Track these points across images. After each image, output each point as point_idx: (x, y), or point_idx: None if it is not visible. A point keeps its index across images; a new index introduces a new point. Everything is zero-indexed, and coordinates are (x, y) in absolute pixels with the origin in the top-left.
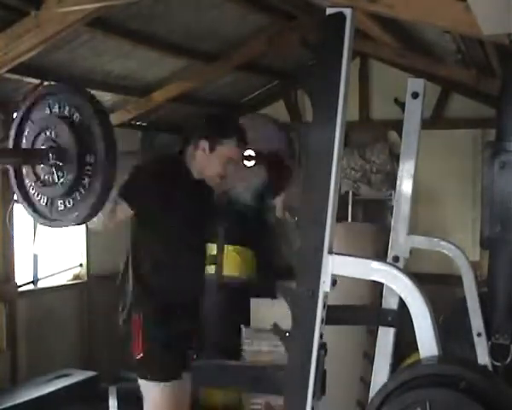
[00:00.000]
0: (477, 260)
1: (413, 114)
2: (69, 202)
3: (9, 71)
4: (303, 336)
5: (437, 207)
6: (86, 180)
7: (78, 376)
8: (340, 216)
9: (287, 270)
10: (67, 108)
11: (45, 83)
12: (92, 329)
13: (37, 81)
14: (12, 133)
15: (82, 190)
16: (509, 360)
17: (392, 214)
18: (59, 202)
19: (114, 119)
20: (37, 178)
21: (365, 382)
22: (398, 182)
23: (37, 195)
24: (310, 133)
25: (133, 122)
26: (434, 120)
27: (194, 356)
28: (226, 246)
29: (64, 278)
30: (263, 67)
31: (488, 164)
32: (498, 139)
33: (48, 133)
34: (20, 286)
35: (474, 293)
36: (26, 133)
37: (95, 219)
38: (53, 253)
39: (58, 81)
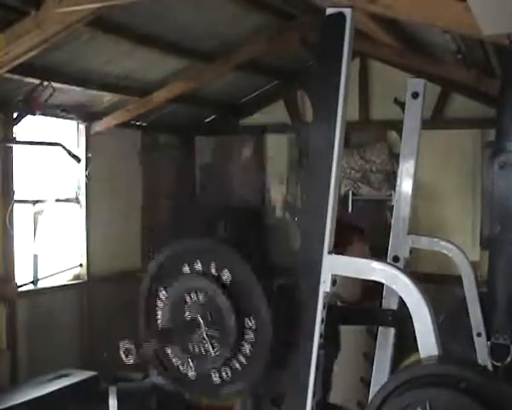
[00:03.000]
0: (477, 260)
1: (413, 114)
2: (227, 374)
3: (9, 71)
4: (303, 336)
5: (437, 207)
6: (247, 347)
7: (78, 376)
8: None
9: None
10: (214, 266)
11: (45, 83)
12: (92, 329)
13: (37, 81)
14: (141, 307)
15: (243, 360)
16: (508, 360)
17: (392, 214)
18: (213, 374)
19: (114, 119)
20: (184, 350)
21: (365, 382)
22: (398, 182)
23: (184, 366)
24: (310, 133)
25: (133, 122)
26: (434, 120)
27: None
28: None
29: (64, 278)
30: (263, 67)
31: (488, 164)
32: (498, 139)
33: (193, 298)
34: (20, 286)
35: (474, 293)
36: (159, 303)
37: None
38: (53, 253)
39: (58, 81)
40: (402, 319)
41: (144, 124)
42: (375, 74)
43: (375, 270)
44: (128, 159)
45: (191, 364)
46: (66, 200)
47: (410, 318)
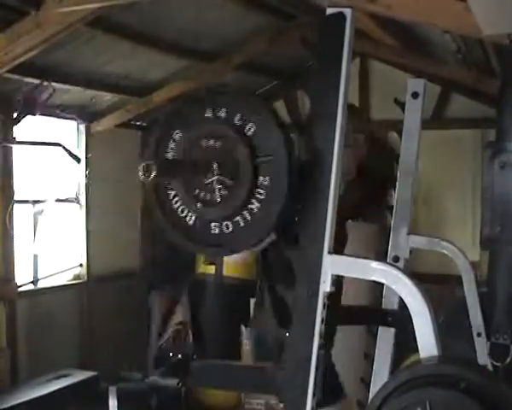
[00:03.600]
0: (477, 260)
1: (413, 114)
2: (227, 227)
3: (9, 71)
4: (303, 336)
5: (437, 207)
6: (255, 205)
7: (78, 376)
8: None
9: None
10: (239, 116)
11: (45, 83)
12: (92, 329)
13: (37, 81)
14: (152, 141)
15: (247, 216)
16: (508, 360)
17: (392, 214)
18: (213, 224)
19: (114, 119)
20: (191, 193)
21: (365, 382)
22: (398, 182)
23: (185, 212)
24: (310, 133)
25: (133, 122)
26: (434, 120)
27: None
28: None
29: (64, 278)
30: (263, 67)
31: (488, 164)
32: (498, 139)
33: (211, 142)
34: (20, 286)
35: (474, 293)
36: (173, 142)
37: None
38: (53, 253)
39: (58, 81)
40: (402, 319)
41: (144, 124)
42: (375, 74)
43: (375, 270)
44: (128, 159)
45: (195, 207)
46: (66, 200)
47: (410, 318)
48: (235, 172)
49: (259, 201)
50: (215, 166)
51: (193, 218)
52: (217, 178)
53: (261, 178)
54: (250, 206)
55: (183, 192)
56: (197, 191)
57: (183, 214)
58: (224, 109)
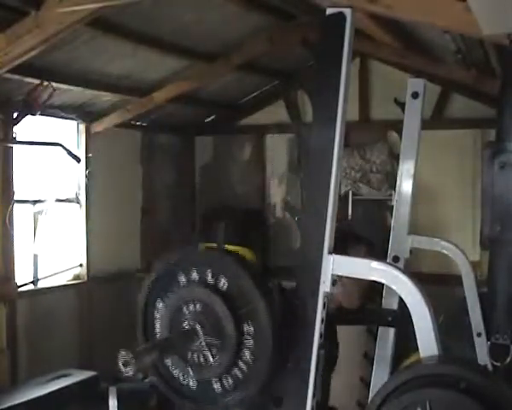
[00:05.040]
0: (477, 260)
1: (413, 114)
2: (228, 383)
3: (9, 71)
4: (303, 336)
5: (437, 207)
6: (247, 354)
7: (78, 376)
8: (340, 217)
9: (286, 270)
10: (209, 274)
11: (45, 83)
12: (92, 329)
13: (37, 81)
14: (139, 321)
15: (244, 367)
16: (508, 360)
17: (392, 214)
18: (215, 383)
19: (114, 119)
20: (184, 360)
21: (365, 382)
22: (398, 182)
23: (184, 377)
24: (310, 133)
25: (133, 122)
26: (434, 120)
27: None
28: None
29: (64, 278)
30: (263, 67)
31: (488, 164)
32: (498, 139)
33: (190, 308)
34: (20, 286)
35: (474, 293)
36: (156, 315)
37: None
38: (53, 253)
39: (58, 81)
40: (402, 319)
41: (144, 124)
42: (375, 74)
43: (375, 270)
44: (128, 159)
45: (192, 373)
46: (67, 200)
47: (410, 318)
48: (218, 330)
49: (250, 348)
50: (199, 329)
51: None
52: (205, 340)
53: (245, 326)
54: (243, 355)
55: (178, 361)
56: (190, 357)
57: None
58: (194, 270)
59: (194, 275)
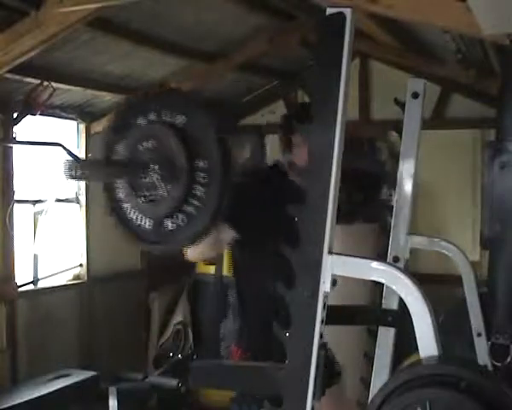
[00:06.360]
0: (477, 260)
1: (413, 114)
2: (183, 220)
3: (9, 71)
4: (303, 337)
5: (437, 207)
6: (200, 189)
7: (78, 376)
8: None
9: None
10: (168, 113)
11: (45, 83)
12: (92, 329)
13: (37, 81)
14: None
15: (196, 203)
16: (508, 359)
17: (392, 214)
18: (168, 221)
19: None
20: (138, 195)
21: (365, 382)
22: (398, 182)
23: (136, 214)
24: (310, 133)
25: None
26: (434, 120)
27: None
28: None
29: (64, 279)
30: (263, 67)
31: (488, 164)
32: (498, 139)
33: (147, 144)
34: (20, 286)
35: (474, 293)
36: (117, 148)
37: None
38: (53, 253)
39: (58, 81)
40: (402, 319)
41: None
42: (375, 74)
43: (375, 270)
44: None
45: (145, 211)
46: (66, 200)
47: (410, 318)
48: (172, 167)
49: (202, 184)
50: (152, 165)
51: (139, 217)
52: (156, 176)
53: (199, 162)
54: (195, 191)
55: (129, 192)
56: (144, 192)
57: (138, 218)
58: (153, 112)
59: (152, 116)
